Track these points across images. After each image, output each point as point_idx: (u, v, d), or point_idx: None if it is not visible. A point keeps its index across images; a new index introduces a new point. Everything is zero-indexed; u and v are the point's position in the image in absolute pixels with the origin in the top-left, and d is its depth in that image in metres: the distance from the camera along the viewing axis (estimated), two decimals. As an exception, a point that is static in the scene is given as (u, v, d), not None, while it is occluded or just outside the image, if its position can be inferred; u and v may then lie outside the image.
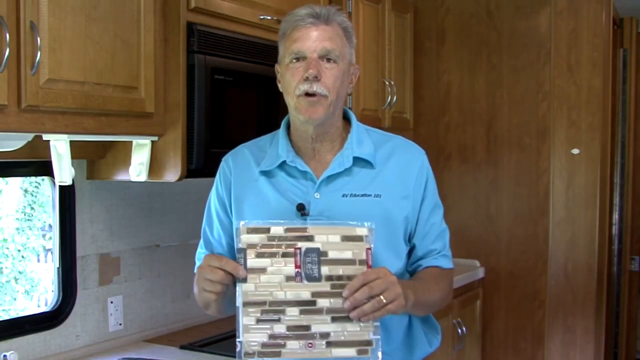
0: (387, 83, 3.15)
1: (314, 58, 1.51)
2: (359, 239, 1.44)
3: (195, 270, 1.73)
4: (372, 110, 3.03)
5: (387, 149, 1.63)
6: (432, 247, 1.65)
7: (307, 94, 1.51)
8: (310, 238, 1.42)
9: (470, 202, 3.51)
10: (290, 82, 1.54)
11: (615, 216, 4.18)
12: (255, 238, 1.41)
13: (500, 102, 3.45)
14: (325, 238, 1.42)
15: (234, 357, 2.02)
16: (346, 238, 1.43)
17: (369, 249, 1.44)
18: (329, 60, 1.52)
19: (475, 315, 3.42)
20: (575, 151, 3.27)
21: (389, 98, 3.15)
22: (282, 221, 1.45)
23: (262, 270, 1.39)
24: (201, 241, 1.74)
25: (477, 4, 3.49)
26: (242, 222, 1.42)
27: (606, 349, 3.55)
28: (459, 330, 3.15)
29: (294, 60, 1.53)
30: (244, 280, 1.38)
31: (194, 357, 2.18)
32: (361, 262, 1.42)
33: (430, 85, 3.61)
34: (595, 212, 3.26)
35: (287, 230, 1.42)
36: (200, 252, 1.74)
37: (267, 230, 1.41)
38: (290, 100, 1.56)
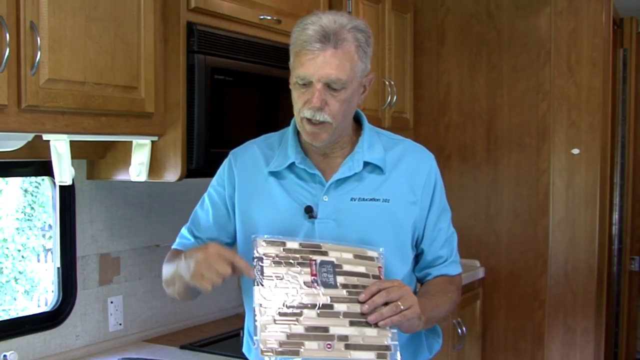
0: (387, 83, 3.15)
1: (318, 88, 1.46)
2: (370, 259, 1.46)
3: (174, 246, 1.71)
4: (372, 110, 3.03)
5: (397, 152, 1.62)
6: (440, 253, 1.65)
7: (310, 120, 1.49)
8: (324, 253, 1.43)
9: (470, 202, 3.51)
10: (296, 102, 1.52)
11: (615, 216, 4.18)
12: (272, 249, 1.42)
13: (500, 102, 3.45)
14: (339, 254, 1.44)
15: (234, 357, 2.02)
16: (358, 257, 1.45)
17: (380, 267, 1.46)
18: (334, 89, 1.47)
19: (475, 315, 3.42)
20: (575, 151, 3.27)
21: (389, 98, 3.15)
22: (296, 238, 1.46)
23: (279, 276, 1.39)
24: (189, 223, 1.72)
25: (477, 4, 3.49)
26: (258, 236, 1.43)
27: (606, 349, 3.55)
28: (459, 330, 3.15)
29: (300, 84, 1.49)
30: (261, 283, 1.38)
31: (194, 357, 2.18)
32: (374, 277, 1.44)
33: (430, 85, 3.61)
34: (595, 212, 3.26)
35: (301, 245, 1.43)
36: (184, 233, 1.72)
37: (283, 243, 1.43)
38: (295, 116, 1.55)
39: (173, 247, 1.73)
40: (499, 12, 3.44)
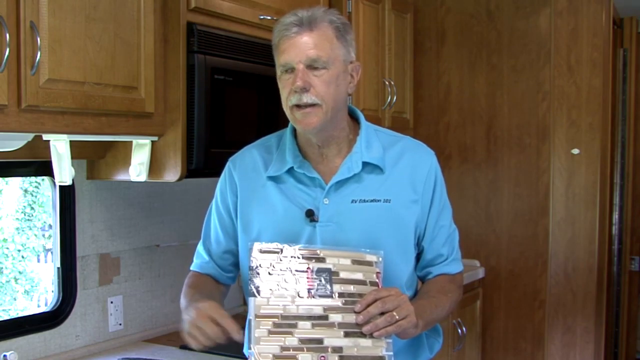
0: (387, 83, 3.15)
1: (300, 69, 1.48)
2: (368, 264, 1.45)
3: (192, 267, 1.73)
4: (372, 110, 3.03)
5: (396, 150, 1.61)
6: (441, 251, 1.64)
7: (299, 106, 1.49)
8: (321, 259, 1.42)
9: (470, 202, 3.51)
10: (282, 94, 1.52)
11: (615, 216, 4.18)
12: (268, 257, 1.41)
13: (500, 102, 3.45)
14: (337, 260, 1.43)
15: (234, 357, 2.02)
16: (356, 262, 1.44)
17: (379, 272, 1.44)
18: (317, 68, 1.48)
19: (475, 315, 3.42)
20: (575, 151, 3.27)
21: (389, 98, 3.15)
22: (293, 244, 1.45)
23: (275, 286, 1.39)
24: (202, 237, 1.74)
25: (477, 4, 3.49)
26: (255, 243, 1.43)
27: (606, 349, 3.55)
28: (459, 331, 3.15)
29: (284, 72, 1.51)
30: (257, 294, 1.38)
31: (194, 357, 2.18)
32: (372, 284, 1.43)
33: (430, 85, 3.61)
34: (595, 212, 3.26)
35: (298, 251, 1.43)
36: (200, 250, 1.73)
37: (280, 250, 1.42)
38: (286, 112, 1.54)
39: (191, 268, 1.74)
40: (499, 12, 3.44)
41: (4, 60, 1.53)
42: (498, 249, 3.47)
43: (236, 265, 1.71)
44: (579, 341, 3.28)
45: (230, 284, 1.75)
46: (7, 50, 1.53)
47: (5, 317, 2.15)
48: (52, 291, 2.18)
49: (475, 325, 3.42)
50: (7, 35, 1.53)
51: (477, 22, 3.49)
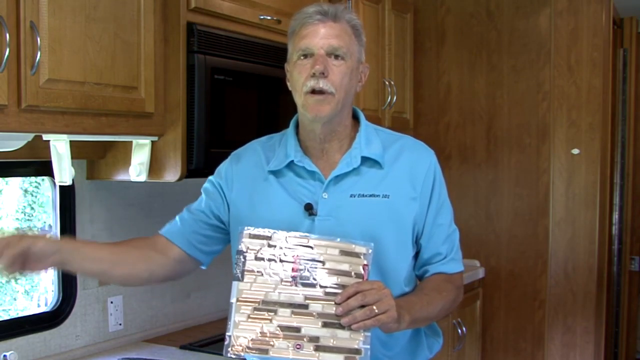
0: (387, 83, 3.15)
1: (320, 54, 1.50)
2: (356, 255, 1.44)
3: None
4: (372, 110, 3.03)
5: (396, 148, 1.62)
6: (439, 250, 1.64)
7: (314, 91, 1.50)
8: (309, 247, 1.42)
9: (470, 202, 3.51)
10: (298, 79, 1.53)
11: (615, 216, 4.18)
12: (257, 242, 1.42)
13: (500, 102, 3.45)
14: (324, 250, 1.43)
15: (234, 356, 2.00)
16: (344, 253, 1.43)
17: (366, 265, 1.44)
18: (336, 57, 1.51)
19: (475, 315, 3.42)
20: (575, 151, 3.27)
21: (389, 98, 3.15)
22: (283, 231, 1.44)
23: (259, 272, 1.40)
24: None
25: (477, 4, 3.49)
26: (245, 227, 1.43)
27: (606, 349, 3.56)
28: (459, 331, 3.15)
29: (302, 57, 1.52)
30: (240, 278, 1.39)
31: (194, 357, 2.18)
32: (357, 276, 1.42)
33: (430, 85, 3.61)
34: (595, 212, 3.26)
35: (288, 238, 1.43)
36: (176, 218, 1.72)
37: (269, 237, 1.42)
38: (298, 99, 1.55)
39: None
40: (499, 12, 3.44)
41: (4, 60, 1.53)
42: (498, 249, 3.47)
43: (212, 239, 1.69)
44: (579, 341, 3.28)
45: (202, 260, 1.71)
46: (7, 50, 1.54)
47: (5, 317, 2.14)
48: (52, 291, 2.18)
49: (475, 325, 3.42)
50: (7, 35, 1.54)
51: (477, 22, 3.50)
